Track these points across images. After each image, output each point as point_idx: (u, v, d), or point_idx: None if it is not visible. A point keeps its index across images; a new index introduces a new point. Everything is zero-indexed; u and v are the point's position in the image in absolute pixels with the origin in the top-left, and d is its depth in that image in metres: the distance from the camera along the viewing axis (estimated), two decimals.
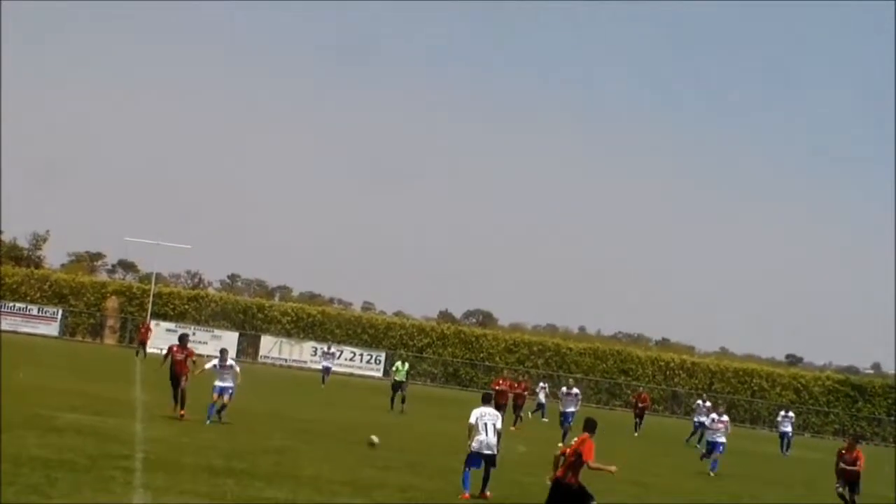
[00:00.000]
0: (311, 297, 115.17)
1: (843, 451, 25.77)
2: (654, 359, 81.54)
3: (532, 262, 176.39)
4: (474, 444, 19.96)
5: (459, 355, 77.72)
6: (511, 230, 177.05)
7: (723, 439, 31.90)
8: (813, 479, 34.06)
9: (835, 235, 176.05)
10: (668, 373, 79.46)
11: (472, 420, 20.09)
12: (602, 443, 17.41)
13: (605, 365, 79.08)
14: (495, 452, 20.15)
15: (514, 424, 40.95)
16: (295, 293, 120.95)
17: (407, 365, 43.79)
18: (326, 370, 57.65)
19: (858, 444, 26.23)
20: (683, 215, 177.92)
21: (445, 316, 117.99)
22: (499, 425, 20.33)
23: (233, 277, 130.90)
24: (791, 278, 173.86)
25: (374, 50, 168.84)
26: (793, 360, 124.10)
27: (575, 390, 41.19)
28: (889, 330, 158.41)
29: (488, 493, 19.95)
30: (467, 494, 19.75)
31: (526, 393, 44.88)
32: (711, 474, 30.72)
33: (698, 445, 42.22)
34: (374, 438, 25.93)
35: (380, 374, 74.02)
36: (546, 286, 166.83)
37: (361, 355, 75.59)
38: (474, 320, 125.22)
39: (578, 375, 75.29)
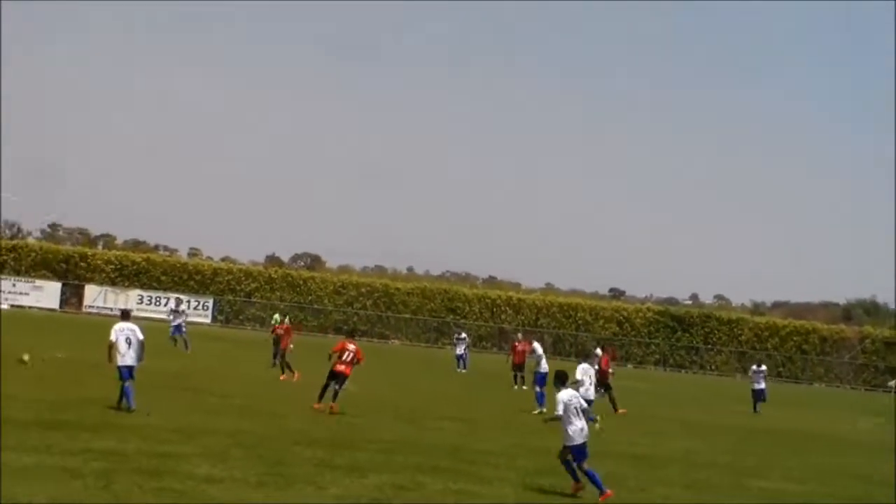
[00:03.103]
0: (136, 245, 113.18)
1: None
2: (482, 296, 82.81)
3: (360, 203, 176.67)
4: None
5: (288, 298, 77.60)
6: (337, 170, 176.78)
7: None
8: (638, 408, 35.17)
9: (650, 175, 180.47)
10: (494, 310, 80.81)
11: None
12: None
13: (432, 304, 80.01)
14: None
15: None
16: (119, 241, 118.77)
17: (288, 317, 41.54)
18: (177, 328, 45.74)
19: None
20: (504, 153, 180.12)
21: (273, 260, 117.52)
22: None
23: (53, 227, 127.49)
24: (612, 215, 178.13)
25: None
26: (616, 294, 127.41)
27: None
28: (706, 261, 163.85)
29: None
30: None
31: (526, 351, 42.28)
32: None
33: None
34: (25, 357, 26.86)
35: (208, 321, 73.78)
36: (375, 228, 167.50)
37: (189, 302, 74.83)
38: (302, 263, 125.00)
39: (407, 315, 76.13)
